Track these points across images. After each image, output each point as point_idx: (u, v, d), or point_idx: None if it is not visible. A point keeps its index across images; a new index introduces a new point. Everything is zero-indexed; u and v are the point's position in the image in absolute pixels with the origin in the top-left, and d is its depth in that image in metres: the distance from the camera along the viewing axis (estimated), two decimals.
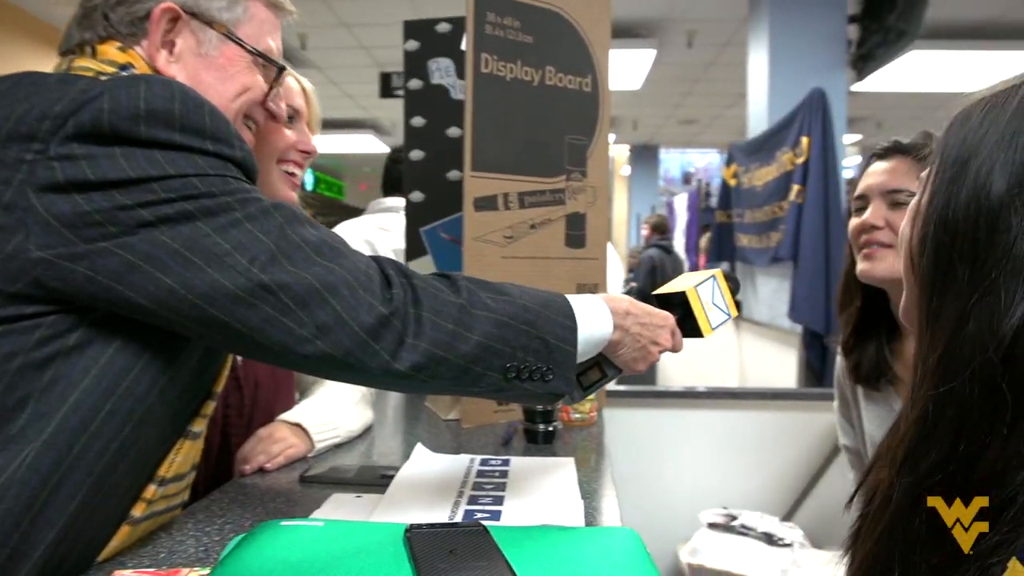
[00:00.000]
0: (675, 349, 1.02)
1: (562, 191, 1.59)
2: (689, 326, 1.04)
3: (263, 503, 1.00)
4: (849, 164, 8.28)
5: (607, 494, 1.07)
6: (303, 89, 1.28)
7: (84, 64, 0.84)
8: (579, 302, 0.91)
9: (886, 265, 1.21)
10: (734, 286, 1.08)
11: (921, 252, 0.61)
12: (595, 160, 1.64)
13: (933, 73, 6.58)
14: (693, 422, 2.16)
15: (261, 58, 0.98)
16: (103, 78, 0.79)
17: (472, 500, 1.00)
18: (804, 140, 3.63)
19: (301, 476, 1.10)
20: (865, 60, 4.84)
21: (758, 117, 5.06)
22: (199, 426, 0.87)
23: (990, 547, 0.54)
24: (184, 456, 0.86)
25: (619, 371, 0.99)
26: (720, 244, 5.01)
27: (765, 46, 4.86)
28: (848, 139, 8.70)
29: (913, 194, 1.18)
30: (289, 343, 0.73)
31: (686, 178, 16.61)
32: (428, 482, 1.08)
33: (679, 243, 7.46)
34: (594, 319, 0.91)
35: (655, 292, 1.08)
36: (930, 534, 0.57)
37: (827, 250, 3.49)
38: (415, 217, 2.17)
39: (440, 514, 0.94)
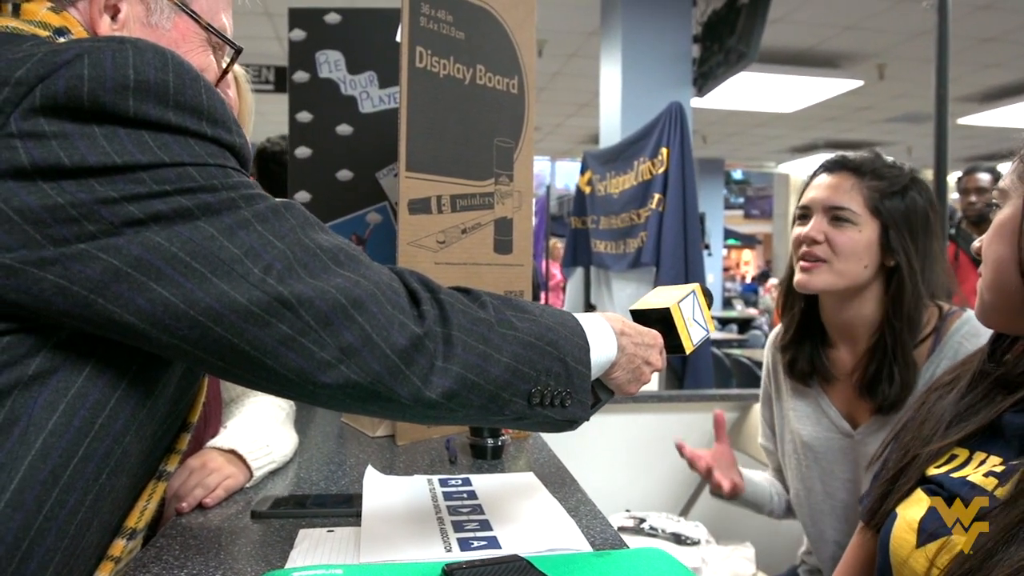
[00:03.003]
0: (662, 368, 0.99)
1: (491, 195, 1.53)
2: (670, 343, 1.02)
3: (223, 546, 0.87)
4: None
5: (589, 511, 1.03)
6: (235, 77, 1.14)
7: (6, 24, 0.69)
8: (587, 322, 0.85)
9: (822, 280, 1.26)
10: (709, 301, 1.08)
11: None
12: (521, 164, 1.60)
13: (753, 93, 7.17)
14: (592, 426, 2.18)
15: (217, 36, 0.85)
16: (61, 39, 0.65)
17: (458, 527, 0.93)
18: (664, 151, 3.80)
19: (253, 511, 0.97)
20: (705, 78, 5.16)
21: (610, 127, 5.25)
22: (173, 464, 0.73)
23: None
24: (156, 502, 0.72)
25: (611, 394, 0.94)
26: (575, 249, 5.13)
27: (618, 61, 5.05)
28: None
29: (853, 212, 1.25)
30: (308, 369, 0.62)
31: None
32: (399, 510, 0.99)
33: None
34: (601, 340, 0.85)
35: (632, 307, 1.05)
36: None
37: (686, 255, 3.68)
38: None
39: (433, 545, 0.86)
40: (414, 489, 1.08)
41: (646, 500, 2.16)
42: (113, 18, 0.77)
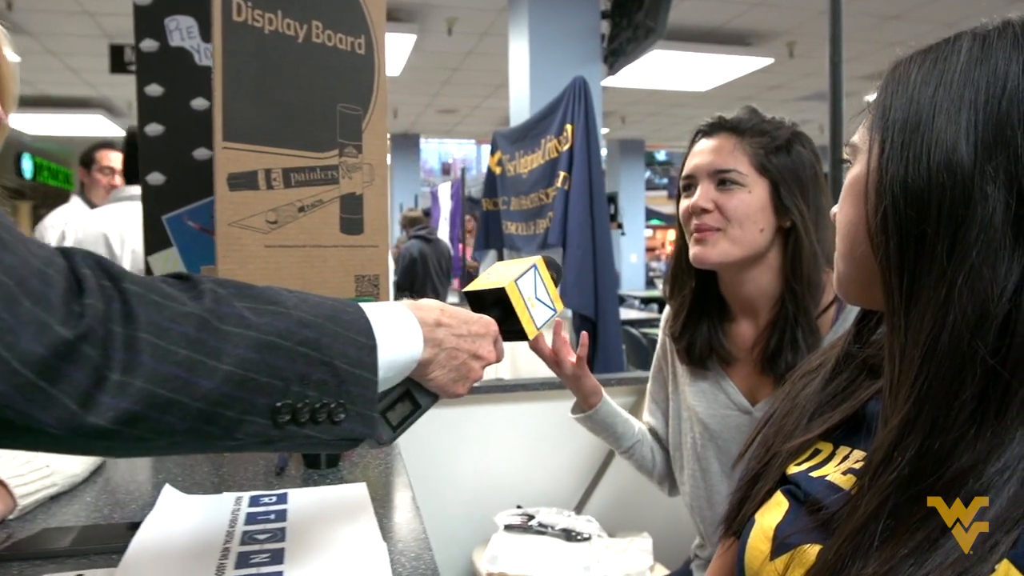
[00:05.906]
0: (498, 359, 0.84)
1: (335, 168, 1.36)
2: (510, 327, 0.88)
3: None
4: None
5: (405, 519, 0.88)
6: None
7: None
8: (377, 312, 0.69)
9: (718, 250, 1.15)
10: (556, 275, 0.94)
11: (884, 228, 0.55)
12: (371, 133, 1.43)
13: (668, 72, 7.14)
14: (479, 417, 2.04)
15: None
16: None
17: (242, 561, 0.77)
18: (568, 128, 3.68)
19: None
20: (616, 55, 5.06)
21: (520, 106, 5.11)
22: None
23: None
24: None
25: (435, 398, 0.79)
26: (488, 231, 4.99)
27: (525, 37, 4.90)
28: None
29: (740, 173, 1.15)
30: None
31: (445, 168, 16.71)
32: (179, 541, 0.83)
33: (444, 232, 7.40)
34: (398, 334, 0.71)
35: (465, 289, 0.91)
36: (886, 535, 0.54)
37: (593, 236, 3.57)
38: (156, 203, 1.84)
39: None
40: (213, 512, 0.92)
41: (540, 495, 2.04)
42: None
